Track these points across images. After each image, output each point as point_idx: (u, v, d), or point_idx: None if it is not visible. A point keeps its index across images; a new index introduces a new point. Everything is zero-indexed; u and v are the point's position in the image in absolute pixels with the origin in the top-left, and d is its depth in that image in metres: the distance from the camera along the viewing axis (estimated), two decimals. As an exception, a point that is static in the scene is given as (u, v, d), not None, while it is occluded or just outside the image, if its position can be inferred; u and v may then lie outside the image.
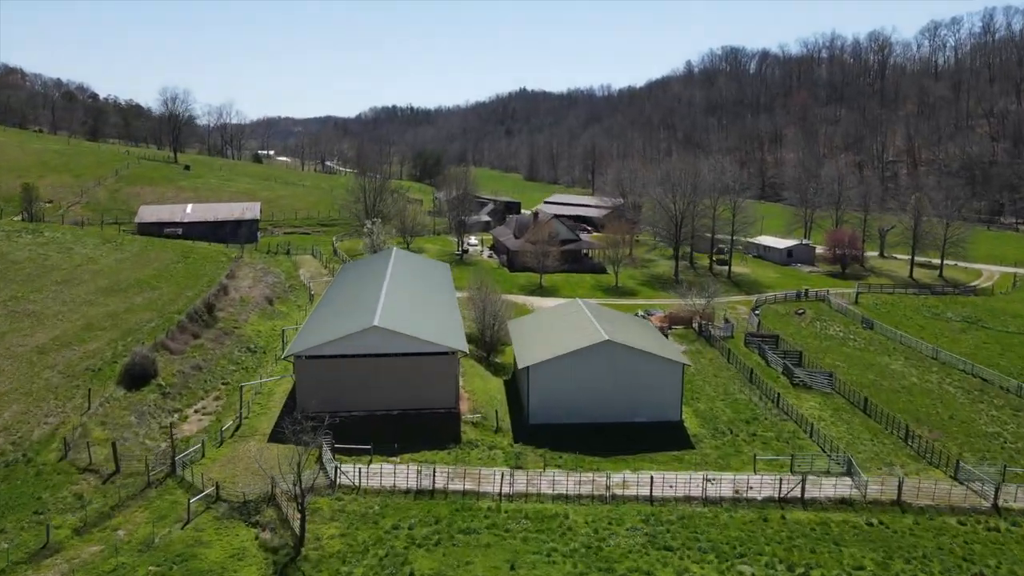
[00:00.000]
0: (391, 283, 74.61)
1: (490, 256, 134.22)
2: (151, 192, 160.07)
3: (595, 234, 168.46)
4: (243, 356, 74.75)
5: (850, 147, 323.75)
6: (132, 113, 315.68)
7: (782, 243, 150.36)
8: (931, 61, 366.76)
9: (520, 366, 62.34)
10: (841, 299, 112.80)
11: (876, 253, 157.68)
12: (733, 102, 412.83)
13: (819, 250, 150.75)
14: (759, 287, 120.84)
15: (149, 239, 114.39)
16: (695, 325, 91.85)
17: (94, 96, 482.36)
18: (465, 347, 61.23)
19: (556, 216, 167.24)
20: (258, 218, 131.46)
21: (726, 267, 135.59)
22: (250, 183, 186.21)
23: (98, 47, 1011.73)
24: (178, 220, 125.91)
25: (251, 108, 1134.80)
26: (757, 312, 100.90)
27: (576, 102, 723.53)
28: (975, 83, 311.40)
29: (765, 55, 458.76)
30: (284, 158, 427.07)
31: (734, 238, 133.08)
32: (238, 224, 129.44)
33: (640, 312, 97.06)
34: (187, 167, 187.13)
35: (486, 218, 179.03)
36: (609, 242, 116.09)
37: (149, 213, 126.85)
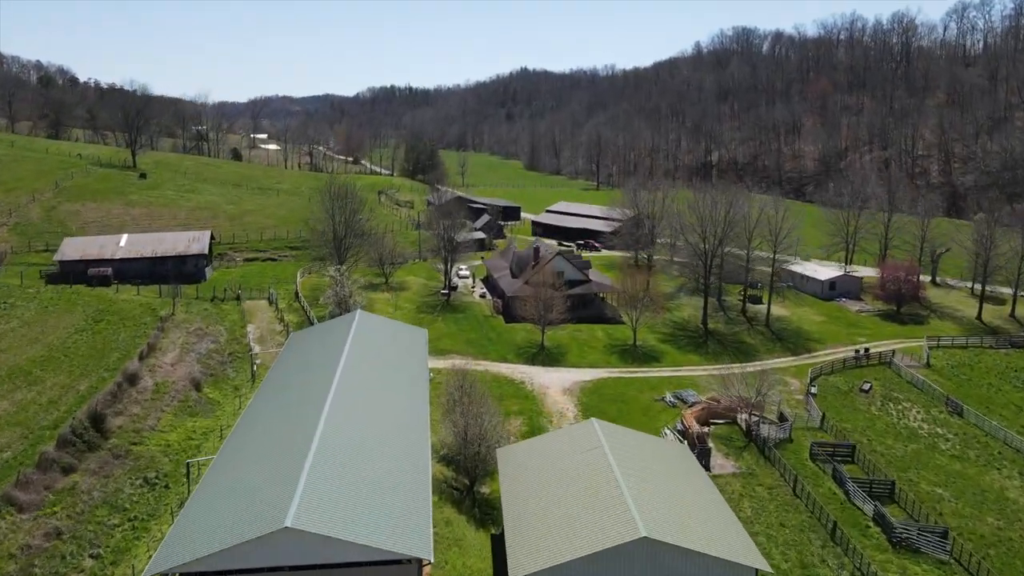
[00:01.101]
0: (340, 390, 55.26)
1: (483, 295, 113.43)
2: (94, 210, 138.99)
3: (604, 254, 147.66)
4: (136, 494, 54.39)
5: (875, 140, 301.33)
6: (113, 98, 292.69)
7: (822, 272, 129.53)
8: (959, 45, 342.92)
9: (511, 567, 41.72)
10: (909, 359, 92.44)
11: (926, 278, 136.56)
12: (746, 88, 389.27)
13: (860, 270, 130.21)
14: (804, 338, 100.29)
15: (61, 289, 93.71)
16: (741, 422, 71.39)
17: (73, 80, 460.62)
18: (429, 539, 40.77)
19: (561, 243, 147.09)
20: (205, 252, 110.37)
21: (759, 305, 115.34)
22: (215, 194, 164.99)
23: (82, 24, 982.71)
24: (108, 257, 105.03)
25: (246, 88, 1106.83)
26: (814, 391, 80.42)
27: (579, 83, 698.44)
28: (1012, 70, 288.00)
29: (779, 36, 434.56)
30: (272, 146, 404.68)
31: (772, 269, 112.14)
32: (182, 260, 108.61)
33: (669, 398, 76.58)
34: (143, 175, 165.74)
35: (480, 234, 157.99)
36: (626, 297, 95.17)
37: (73, 249, 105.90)
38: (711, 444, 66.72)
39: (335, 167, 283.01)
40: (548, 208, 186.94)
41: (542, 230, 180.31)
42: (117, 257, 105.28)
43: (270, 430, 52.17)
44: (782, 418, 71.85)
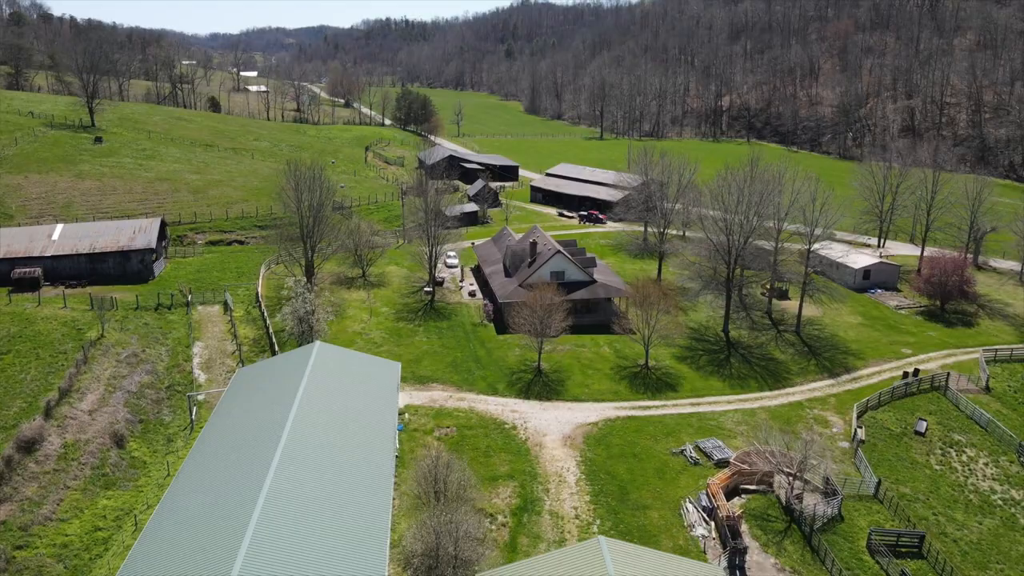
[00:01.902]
0: (286, 457, 47.32)
1: (472, 293, 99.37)
2: (38, 184, 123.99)
3: (609, 228, 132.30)
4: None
5: (898, 85, 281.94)
6: (87, 36, 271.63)
7: (855, 258, 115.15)
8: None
9: None
10: (965, 380, 79.34)
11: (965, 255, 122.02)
12: (760, 27, 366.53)
13: (893, 248, 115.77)
14: (840, 351, 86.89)
15: (-28, 303, 79.98)
16: (780, 494, 58.45)
17: (46, 16, 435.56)
18: None
19: (561, 213, 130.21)
20: (152, 246, 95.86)
21: (786, 302, 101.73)
22: (179, 159, 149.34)
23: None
24: (37, 254, 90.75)
25: (239, 18, 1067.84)
26: (861, 435, 67.40)
27: (583, 17, 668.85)
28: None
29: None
30: (260, 87, 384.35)
31: (806, 269, 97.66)
32: (125, 256, 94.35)
33: (690, 451, 63.58)
34: (98, 139, 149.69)
35: (471, 206, 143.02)
36: (637, 299, 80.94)
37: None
38: (744, 526, 54.12)
39: (322, 115, 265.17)
40: (548, 171, 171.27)
41: (542, 196, 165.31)
42: (48, 254, 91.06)
43: (196, 516, 40.74)
44: (828, 484, 59.00)
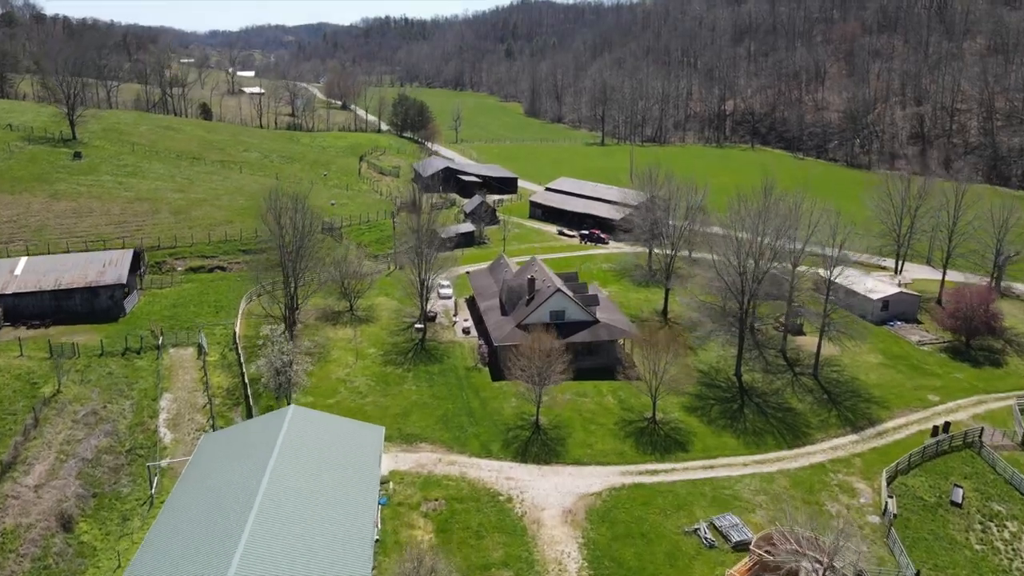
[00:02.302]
0: (252, 542, 41.60)
1: (466, 330, 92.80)
2: (10, 205, 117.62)
3: (612, 250, 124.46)
4: None
5: (907, 91, 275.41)
6: (82, 38, 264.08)
7: (874, 286, 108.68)
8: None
9: None
10: (1000, 435, 73.09)
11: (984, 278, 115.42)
12: (764, 29, 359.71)
13: (911, 271, 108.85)
14: (863, 399, 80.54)
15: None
16: (808, 587, 52.05)
17: (39, 17, 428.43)
18: None
19: (561, 232, 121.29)
20: (123, 282, 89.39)
21: (801, 337, 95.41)
22: (163, 176, 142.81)
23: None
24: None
25: (239, 15, 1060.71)
26: (893, 509, 61.03)
27: (583, 16, 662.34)
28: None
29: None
30: (255, 89, 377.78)
31: (825, 306, 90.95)
32: (93, 292, 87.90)
33: (704, 530, 57.20)
34: (78, 154, 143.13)
35: (467, 226, 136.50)
36: (646, 350, 74.34)
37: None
38: (768, 632, 47.81)
39: (316, 121, 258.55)
40: (548, 185, 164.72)
41: (541, 212, 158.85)
42: (9, 291, 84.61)
43: None
44: (861, 576, 52.63)
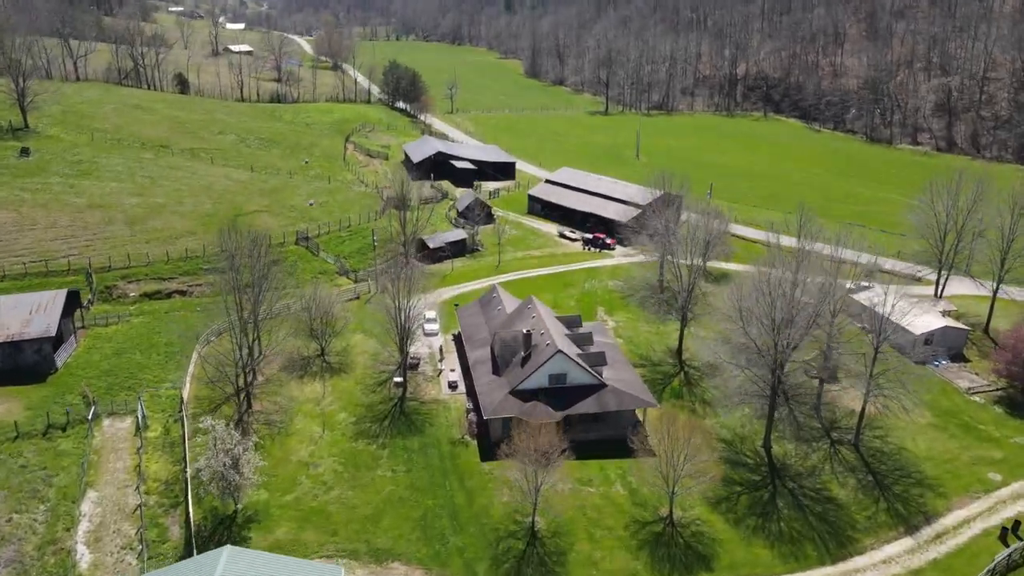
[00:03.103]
0: None
1: (453, 385, 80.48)
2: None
3: (620, 261, 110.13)
4: None
5: (933, 55, 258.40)
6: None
7: (914, 317, 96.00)
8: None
9: None
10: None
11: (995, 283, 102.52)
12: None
13: (954, 284, 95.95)
14: (912, 478, 69.01)
15: None
16: None
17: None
18: None
19: (563, 235, 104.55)
20: (52, 334, 76.93)
21: (835, 385, 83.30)
22: (121, 174, 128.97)
23: None
24: (-98, 351, 72.18)
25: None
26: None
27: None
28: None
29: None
30: (242, 47, 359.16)
31: (870, 370, 78.51)
32: (15, 347, 75.57)
33: None
34: (25, 150, 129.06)
35: (458, 233, 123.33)
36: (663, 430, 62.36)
37: None
38: None
39: (302, 92, 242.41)
40: (549, 177, 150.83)
41: (540, 207, 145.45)
42: (-88, 349, 72.55)
43: None
44: None
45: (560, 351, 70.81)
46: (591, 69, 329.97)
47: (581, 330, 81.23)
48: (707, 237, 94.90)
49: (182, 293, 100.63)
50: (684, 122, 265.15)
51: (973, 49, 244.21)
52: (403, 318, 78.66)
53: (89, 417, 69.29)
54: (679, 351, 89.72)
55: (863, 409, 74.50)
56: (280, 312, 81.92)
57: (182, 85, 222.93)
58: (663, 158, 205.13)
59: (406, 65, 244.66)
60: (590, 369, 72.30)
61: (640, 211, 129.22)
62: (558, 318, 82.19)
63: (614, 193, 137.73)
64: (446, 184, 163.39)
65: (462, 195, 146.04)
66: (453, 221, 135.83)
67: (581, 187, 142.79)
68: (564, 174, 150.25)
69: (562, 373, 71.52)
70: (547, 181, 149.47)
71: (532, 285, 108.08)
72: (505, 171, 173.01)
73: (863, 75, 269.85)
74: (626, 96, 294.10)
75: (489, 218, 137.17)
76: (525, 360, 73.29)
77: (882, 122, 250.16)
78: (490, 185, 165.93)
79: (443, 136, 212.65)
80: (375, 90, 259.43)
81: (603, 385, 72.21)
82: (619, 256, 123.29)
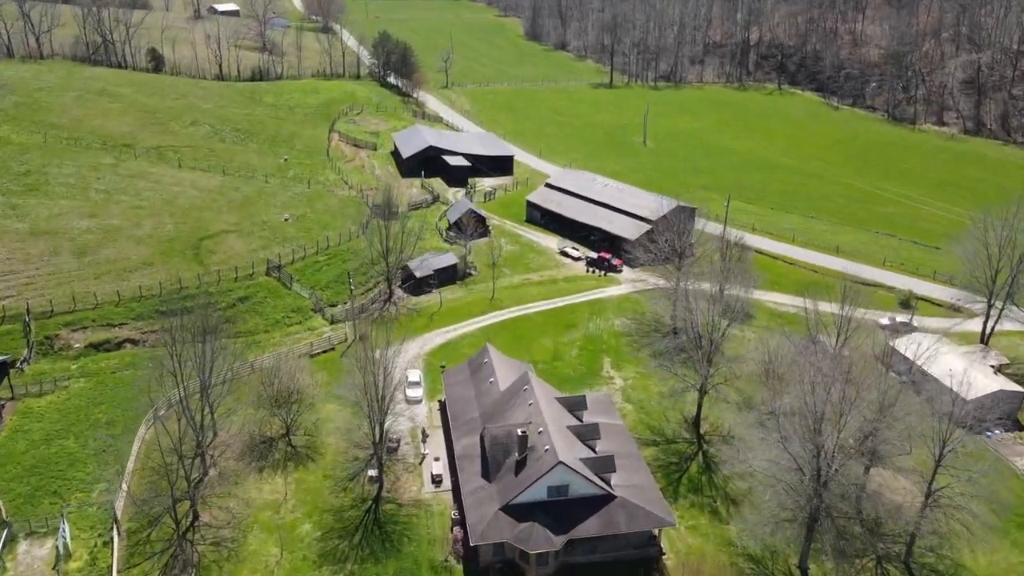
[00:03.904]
0: None
1: (437, 478, 69.19)
2: None
3: (629, 289, 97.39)
4: None
5: (961, 23, 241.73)
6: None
7: (961, 375, 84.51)
8: None
9: None
10: None
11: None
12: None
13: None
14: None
15: None
16: None
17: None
18: None
19: (564, 252, 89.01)
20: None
21: (881, 471, 72.38)
22: (73, 187, 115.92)
23: None
24: None
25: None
26: None
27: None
28: None
29: None
30: (229, 6, 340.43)
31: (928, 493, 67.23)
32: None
33: None
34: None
35: (448, 258, 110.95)
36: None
37: None
38: None
39: (287, 66, 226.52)
40: (549, 181, 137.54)
41: (540, 215, 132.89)
42: None
43: None
44: None
45: (561, 462, 59.55)
46: (595, 33, 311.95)
47: (586, 417, 69.87)
48: (730, 303, 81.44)
49: (134, 342, 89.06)
50: (693, 96, 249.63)
51: (1006, 20, 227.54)
52: (378, 414, 66.99)
53: (1, 541, 58.44)
54: (697, 422, 78.52)
55: (912, 537, 63.37)
56: (240, 373, 70.51)
57: (156, 61, 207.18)
58: (672, 143, 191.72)
59: (397, 38, 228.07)
60: (596, 480, 61.18)
61: (650, 227, 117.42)
62: (559, 400, 70.69)
63: (621, 203, 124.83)
64: (437, 183, 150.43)
65: (454, 203, 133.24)
66: (444, 235, 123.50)
67: (584, 195, 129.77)
68: (566, 177, 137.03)
69: (563, 485, 60.47)
70: (547, 185, 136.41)
71: (530, 325, 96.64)
72: (502, 166, 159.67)
73: (885, 45, 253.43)
74: (632, 65, 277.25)
75: (483, 229, 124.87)
76: (520, 466, 62.11)
77: (905, 98, 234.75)
78: (486, 183, 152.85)
79: (436, 119, 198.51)
80: (365, 56, 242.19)
81: (612, 497, 61.15)
82: (627, 282, 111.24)
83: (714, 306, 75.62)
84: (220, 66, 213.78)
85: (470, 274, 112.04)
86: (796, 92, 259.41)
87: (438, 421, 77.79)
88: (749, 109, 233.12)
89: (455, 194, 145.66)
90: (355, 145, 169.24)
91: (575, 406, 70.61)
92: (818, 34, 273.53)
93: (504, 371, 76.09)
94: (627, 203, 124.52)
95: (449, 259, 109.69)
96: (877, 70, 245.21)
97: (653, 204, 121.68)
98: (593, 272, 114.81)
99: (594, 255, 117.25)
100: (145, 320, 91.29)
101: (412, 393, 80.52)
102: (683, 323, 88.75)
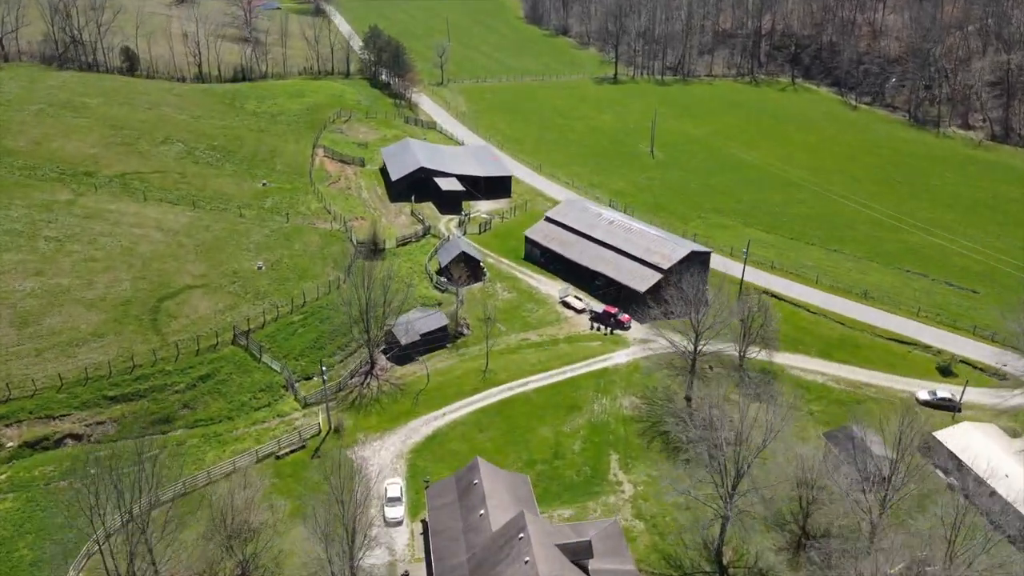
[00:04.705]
0: None
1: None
2: None
3: (637, 353, 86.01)
4: None
5: (989, 14, 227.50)
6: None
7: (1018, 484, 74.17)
8: None
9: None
10: None
11: None
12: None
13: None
14: None
15: None
16: None
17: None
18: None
19: (565, 302, 77.39)
20: None
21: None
22: (19, 238, 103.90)
23: None
24: None
25: None
26: None
27: None
28: None
29: None
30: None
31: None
32: None
33: None
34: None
35: (436, 319, 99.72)
36: None
37: None
38: None
39: (270, 64, 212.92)
40: (550, 215, 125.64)
41: (539, 253, 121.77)
42: None
43: None
44: None
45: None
46: (599, 19, 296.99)
47: (592, 565, 59.42)
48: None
49: (77, 437, 78.58)
50: (703, 93, 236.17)
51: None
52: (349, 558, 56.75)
53: None
54: (719, 553, 68.16)
55: None
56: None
57: (130, 60, 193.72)
58: (681, 153, 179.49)
59: (389, 35, 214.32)
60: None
61: (661, 276, 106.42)
62: (560, 547, 60.17)
63: (628, 246, 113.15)
64: (429, 208, 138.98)
65: (446, 241, 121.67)
66: (434, 280, 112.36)
67: (588, 233, 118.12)
68: (567, 211, 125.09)
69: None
70: (547, 219, 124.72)
71: (528, 409, 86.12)
72: (499, 187, 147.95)
73: (906, 37, 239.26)
74: (637, 56, 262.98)
75: (477, 272, 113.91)
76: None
77: (927, 97, 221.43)
78: (481, 208, 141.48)
79: (430, 125, 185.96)
80: (356, 44, 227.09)
81: None
82: (636, 343, 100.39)
83: (742, 425, 64.56)
84: (200, 66, 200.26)
85: (462, 334, 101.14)
86: (811, 87, 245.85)
87: (420, 551, 67.43)
88: (763, 109, 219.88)
89: (447, 223, 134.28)
90: (341, 161, 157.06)
91: (579, 553, 60.12)
92: (834, 24, 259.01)
93: (497, 496, 65.50)
94: (635, 245, 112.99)
95: (438, 320, 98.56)
96: (898, 66, 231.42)
97: (665, 248, 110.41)
98: (598, 330, 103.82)
99: (599, 309, 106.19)
100: (91, 409, 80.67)
101: (392, 513, 70.19)
102: (698, 402, 78.97)
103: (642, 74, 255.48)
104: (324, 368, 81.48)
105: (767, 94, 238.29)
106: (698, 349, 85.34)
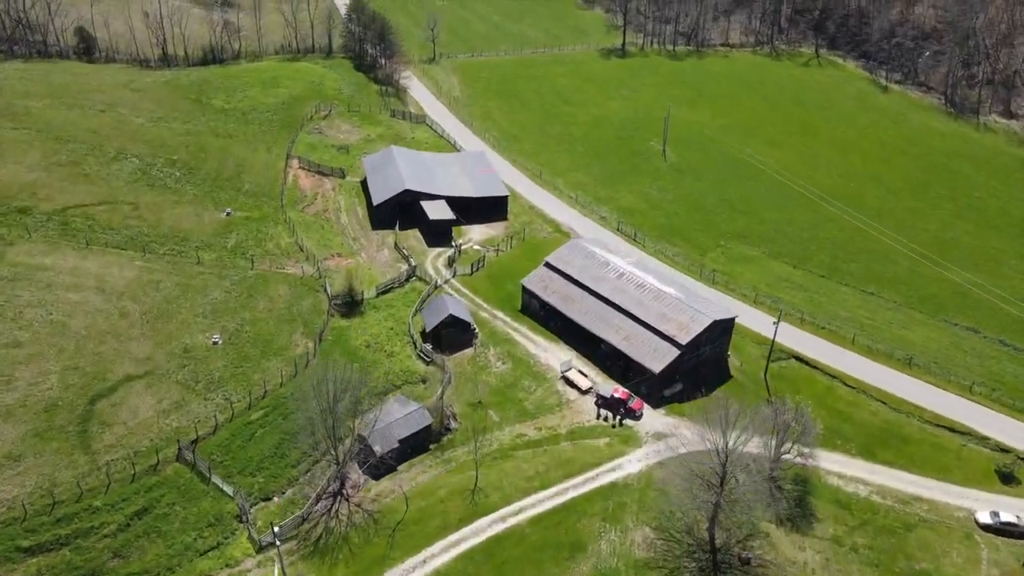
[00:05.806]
0: None
1: None
2: None
3: (651, 454, 73.16)
4: None
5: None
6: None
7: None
8: None
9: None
10: None
11: None
12: None
13: None
14: None
15: None
16: None
17: None
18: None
19: (566, 378, 66.91)
20: None
21: None
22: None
23: None
24: None
25: None
26: None
27: None
28: None
29: None
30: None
31: None
32: None
33: None
34: None
35: (419, 416, 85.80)
36: None
37: None
38: None
39: (244, 43, 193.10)
40: (550, 261, 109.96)
41: (539, 306, 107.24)
42: None
43: None
44: None
45: None
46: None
47: None
48: None
49: (-10, 599, 65.75)
50: (719, 70, 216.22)
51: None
52: None
53: None
54: None
55: None
56: None
57: (86, 43, 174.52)
58: (697, 154, 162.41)
59: (374, 11, 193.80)
60: None
61: (679, 352, 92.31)
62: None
63: (640, 310, 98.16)
64: (415, 240, 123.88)
65: (433, 299, 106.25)
66: (419, 348, 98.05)
67: (593, 288, 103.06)
68: (571, 258, 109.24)
69: None
70: (547, 265, 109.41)
71: (522, 551, 73.09)
72: (494, 209, 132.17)
73: (943, 6, 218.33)
74: (647, 24, 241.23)
75: (468, 336, 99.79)
76: None
77: (966, 76, 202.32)
78: (474, 236, 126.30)
79: (419, 119, 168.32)
80: (339, 18, 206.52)
81: None
82: (649, 439, 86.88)
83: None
84: (164, 47, 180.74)
85: (448, 429, 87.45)
86: (837, 61, 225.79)
87: None
88: (785, 91, 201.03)
89: (435, 260, 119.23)
90: (319, 173, 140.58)
91: None
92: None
93: None
94: (648, 310, 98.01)
95: (419, 419, 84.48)
96: (934, 41, 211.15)
97: (683, 315, 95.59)
98: (605, 419, 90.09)
99: (605, 390, 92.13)
100: (34, 531, 67.74)
101: None
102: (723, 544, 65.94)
103: (652, 43, 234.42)
104: (276, 530, 67.40)
105: (789, 70, 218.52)
106: (724, 483, 71.53)
